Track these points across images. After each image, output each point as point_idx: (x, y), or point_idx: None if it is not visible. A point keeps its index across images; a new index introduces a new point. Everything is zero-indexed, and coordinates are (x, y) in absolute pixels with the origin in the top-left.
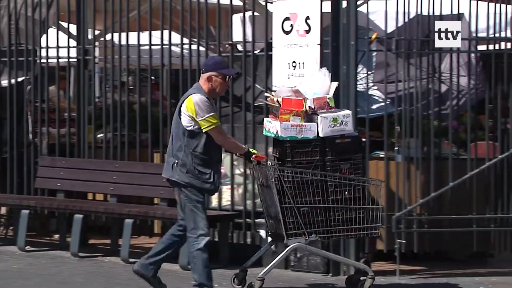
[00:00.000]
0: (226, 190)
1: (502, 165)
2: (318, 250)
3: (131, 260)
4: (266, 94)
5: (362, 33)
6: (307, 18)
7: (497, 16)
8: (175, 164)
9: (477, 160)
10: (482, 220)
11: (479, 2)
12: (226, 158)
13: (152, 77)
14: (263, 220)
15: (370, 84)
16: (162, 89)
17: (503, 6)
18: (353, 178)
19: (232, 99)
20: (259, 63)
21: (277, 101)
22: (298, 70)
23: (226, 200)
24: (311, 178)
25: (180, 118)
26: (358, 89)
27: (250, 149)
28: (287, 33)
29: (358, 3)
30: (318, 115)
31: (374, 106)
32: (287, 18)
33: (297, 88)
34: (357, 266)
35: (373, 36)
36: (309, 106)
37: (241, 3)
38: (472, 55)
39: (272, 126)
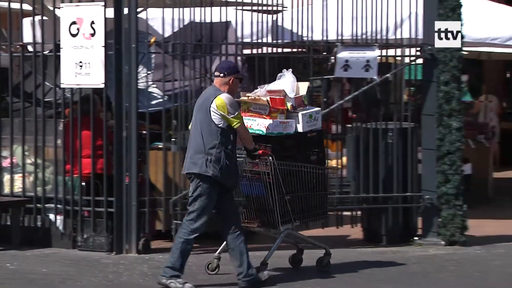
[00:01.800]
0: (18, 178)
1: None
2: (301, 234)
3: None
4: (248, 95)
5: (142, 37)
6: (92, 22)
7: (260, 24)
8: (209, 161)
9: None
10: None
11: (244, 11)
12: (18, 149)
13: None
14: (52, 205)
15: (150, 83)
16: None
17: (265, 15)
18: (326, 167)
19: (23, 95)
20: (48, 63)
21: (267, 100)
22: (85, 70)
23: (18, 187)
24: (299, 169)
25: (210, 117)
26: (139, 87)
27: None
28: (74, 35)
29: (138, 10)
30: (298, 112)
31: (153, 102)
32: (74, 22)
33: (280, 88)
34: (324, 247)
35: (152, 40)
36: (291, 105)
37: (30, 8)
38: (239, 58)
39: (257, 123)
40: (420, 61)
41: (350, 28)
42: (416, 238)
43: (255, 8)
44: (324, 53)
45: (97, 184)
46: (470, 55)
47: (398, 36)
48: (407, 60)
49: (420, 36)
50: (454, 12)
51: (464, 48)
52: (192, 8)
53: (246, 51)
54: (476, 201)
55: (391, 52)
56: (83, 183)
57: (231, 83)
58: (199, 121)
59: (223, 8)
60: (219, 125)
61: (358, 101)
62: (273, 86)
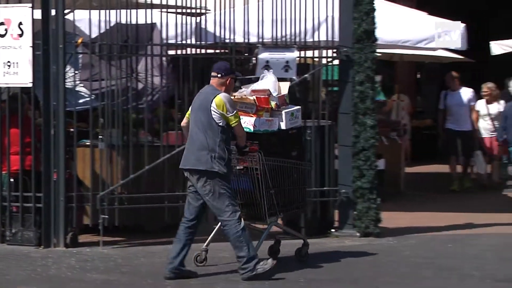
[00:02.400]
0: None
1: None
2: (285, 227)
3: None
4: (234, 94)
5: (69, 37)
6: (20, 23)
7: (184, 26)
8: (213, 157)
9: (168, 147)
10: (172, 197)
11: (168, 14)
12: None
13: None
14: None
15: (77, 82)
16: None
17: (189, 18)
18: (306, 163)
19: None
20: None
21: (253, 99)
22: (13, 69)
23: None
24: (283, 165)
25: (211, 115)
26: (66, 86)
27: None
28: (2, 36)
29: (66, 11)
30: (281, 111)
31: (81, 101)
32: (1, 23)
33: (265, 88)
34: (302, 237)
35: (79, 41)
36: (276, 103)
37: None
38: (164, 58)
39: (244, 121)
40: (336, 62)
41: (270, 30)
42: (333, 230)
43: (179, 10)
44: (245, 54)
45: (26, 180)
46: (383, 56)
47: (316, 39)
48: (324, 61)
49: (337, 38)
50: (368, 16)
51: (378, 50)
52: (118, 10)
53: (171, 52)
54: (389, 194)
55: (309, 53)
56: (12, 179)
57: (227, 83)
58: (200, 120)
59: (149, 10)
60: (219, 123)
61: None
62: (257, 86)
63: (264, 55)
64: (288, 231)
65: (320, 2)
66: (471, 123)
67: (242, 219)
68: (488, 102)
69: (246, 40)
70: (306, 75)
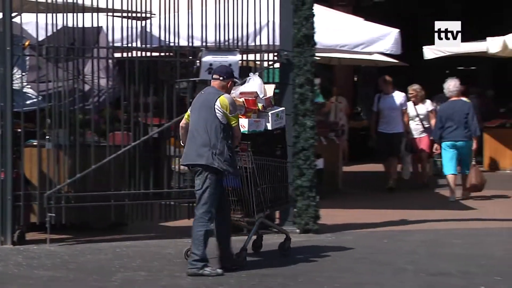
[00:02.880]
0: None
1: (135, 150)
2: (270, 222)
3: None
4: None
5: (17, 40)
6: None
7: (129, 29)
8: (214, 154)
9: (114, 147)
10: (118, 195)
11: (114, 17)
12: None
13: None
14: None
15: (25, 83)
16: None
17: (134, 21)
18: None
19: None
20: None
21: (243, 101)
22: None
23: None
24: (272, 164)
25: (215, 114)
26: (14, 87)
27: None
28: None
29: (13, 14)
30: (268, 112)
31: (28, 102)
32: None
33: (253, 90)
34: (285, 232)
35: (26, 43)
36: (263, 105)
37: None
38: (110, 61)
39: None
40: (277, 65)
41: (213, 34)
42: None
43: (125, 14)
44: (190, 57)
45: None
46: (322, 60)
47: (258, 43)
48: (265, 64)
49: (278, 42)
50: (307, 21)
51: (317, 54)
52: (65, 14)
53: (117, 55)
54: (327, 192)
55: (251, 57)
56: None
57: (228, 86)
58: (203, 117)
59: (95, 14)
60: (222, 122)
61: None
62: (245, 88)
63: (207, 58)
64: (273, 226)
65: (262, 7)
66: (402, 126)
67: (212, 222)
68: (415, 103)
69: (190, 44)
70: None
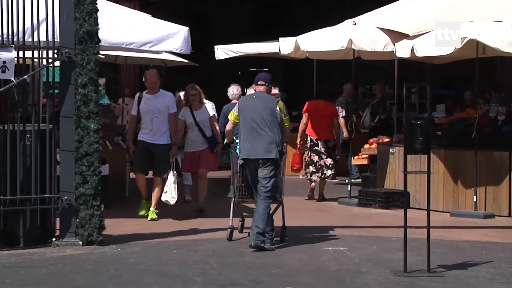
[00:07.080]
0: None
1: None
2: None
3: None
4: None
5: None
6: None
7: None
8: (278, 150)
9: None
10: None
11: None
12: None
13: None
14: None
15: None
16: None
17: None
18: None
19: None
20: None
21: None
22: None
23: None
24: None
25: (276, 116)
26: None
27: None
28: None
29: None
30: None
31: None
32: None
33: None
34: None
35: None
36: None
37: None
38: None
39: None
40: (58, 63)
41: None
42: (54, 239)
43: None
44: None
45: None
46: (107, 58)
47: (36, 39)
48: (45, 62)
49: (58, 39)
50: (90, 16)
51: (101, 52)
52: None
53: None
54: (113, 200)
55: (29, 54)
56: None
57: (269, 91)
58: (266, 119)
59: None
60: (279, 123)
61: None
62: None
63: None
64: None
65: (40, 0)
66: None
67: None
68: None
69: None
70: (25, 77)
